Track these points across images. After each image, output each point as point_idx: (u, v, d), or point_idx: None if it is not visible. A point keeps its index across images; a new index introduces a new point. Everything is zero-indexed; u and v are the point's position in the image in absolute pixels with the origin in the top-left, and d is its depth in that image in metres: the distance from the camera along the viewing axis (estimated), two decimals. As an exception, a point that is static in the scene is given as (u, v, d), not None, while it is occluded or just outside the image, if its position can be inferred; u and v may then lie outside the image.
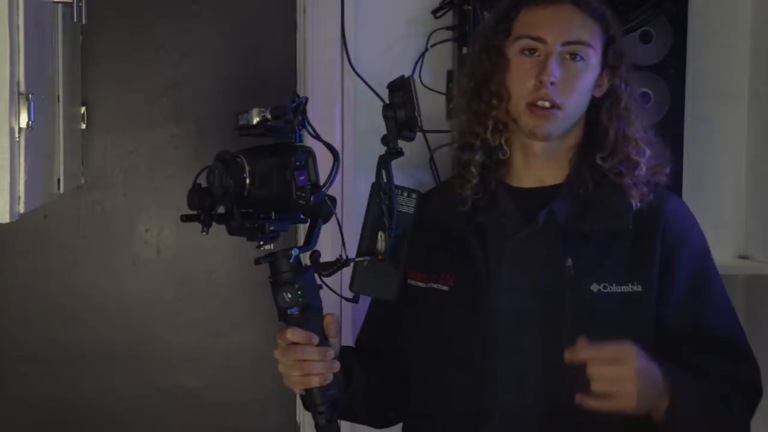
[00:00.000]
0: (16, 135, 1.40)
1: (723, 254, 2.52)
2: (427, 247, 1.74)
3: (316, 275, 1.57)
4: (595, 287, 1.63)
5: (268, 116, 1.50)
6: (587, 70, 1.67)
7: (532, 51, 1.67)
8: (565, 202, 1.68)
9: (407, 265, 1.67)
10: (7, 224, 1.39)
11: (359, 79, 2.30)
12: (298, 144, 1.55)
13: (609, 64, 1.71)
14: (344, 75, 2.33)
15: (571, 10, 1.68)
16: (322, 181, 1.53)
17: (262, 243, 1.54)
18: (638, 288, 1.64)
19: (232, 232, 1.54)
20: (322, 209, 1.55)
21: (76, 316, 2.41)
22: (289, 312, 1.54)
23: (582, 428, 1.62)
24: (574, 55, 1.66)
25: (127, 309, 2.43)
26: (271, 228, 1.52)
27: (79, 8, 2.10)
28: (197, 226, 2.40)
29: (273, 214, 1.54)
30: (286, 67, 2.43)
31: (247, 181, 1.50)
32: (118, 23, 2.39)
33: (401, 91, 1.58)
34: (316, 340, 1.55)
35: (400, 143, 1.61)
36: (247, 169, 1.50)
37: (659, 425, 1.56)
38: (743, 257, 2.52)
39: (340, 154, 2.34)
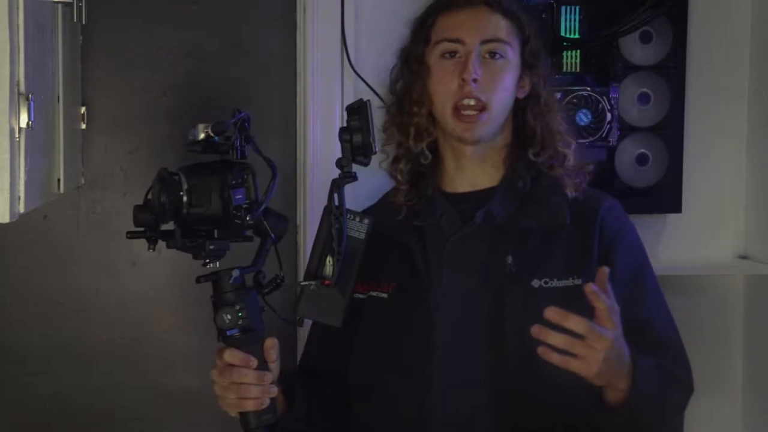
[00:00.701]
0: (16, 135, 1.39)
1: (723, 254, 2.53)
2: (369, 258, 1.73)
3: (260, 297, 1.56)
4: (536, 283, 1.64)
5: (210, 133, 1.49)
6: (507, 67, 1.71)
7: (452, 54, 1.71)
8: (502, 202, 1.70)
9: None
10: (7, 224, 1.39)
11: (359, 79, 2.30)
12: (237, 161, 1.53)
13: (527, 63, 1.75)
14: (344, 75, 2.33)
15: (486, 11, 1.72)
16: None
17: (207, 261, 1.54)
18: (578, 281, 1.64)
19: (179, 249, 1.53)
20: (262, 228, 1.54)
21: (76, 316, 2.41)
22: (228, 333, 1.54)
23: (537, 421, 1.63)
24: (493, 54, 1.70)
25: (127, 309, 2.43)
26: (211, 247, 1.51)
27: (79, 8, 2.10)
28: (197, 226, 2.43)
29: (215, 232, 1.52)
30: (286, 67, 2.43)
31: (184, 198, 1.49)
32: (118, 23, 2.39)
33: (358, 114, 1.57)
34: (254, 363, 1.54)
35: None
36: (184, 186, 1.49)
37: (612, 404, 1.54)
38: (743, 257, 2.53)
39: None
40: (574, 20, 2.33)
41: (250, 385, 1.54)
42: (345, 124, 1.58)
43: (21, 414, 2.40)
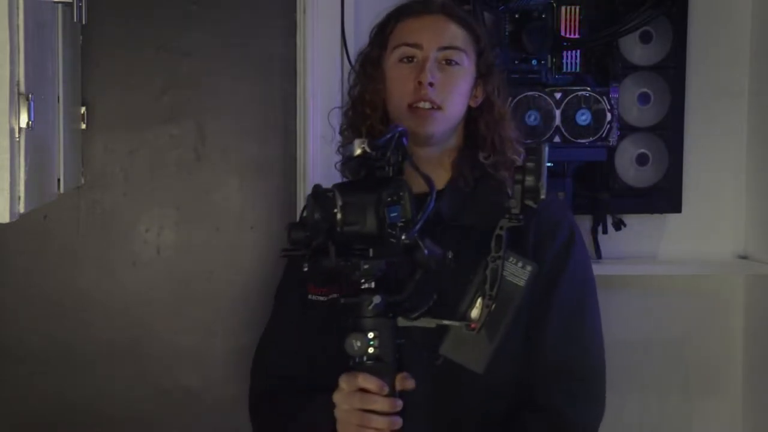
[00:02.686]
0: (16, 135, 1.39)
1: (723, 254, 2.53)
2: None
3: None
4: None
5: (367, 149, 1.45)
6: (462, 74, 1.74)
7: (410, 59, 1.74)
8: (448, 201, 1.73)
9: (310, 279, 1.69)
10: (7, 224, 1.39)
11: (359, 79, 2.30)
12: (393, 177, 1.48)
13: (481, 73, 1.79)
14: (344, 75, 2.33)
15: (444, 19, 1.76)
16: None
17: (363, 281, 1.47)
18: None
19: (332, 268, 1.46)
20: (417, 250, 1.45)
21: (76, 316, 2.41)
22: (357, 360, 1.48)
23: (463, 422, 1.65)
24: (449, 61, 1.74)
25: (127, 309, 2.43)
26: (366, 266, 1.45)
27: (79, 8, 2.10)
28: (196, 225, 2.44)
29: (370, 251, 1.46)
30: (286, 67, 2.43)
31: (338, 216, 1.43)
32: (118, 23, 2.39)
33: (534, 156, 1.52)
34: (386, 389, 1.49)
35: None
36: (338, 203, 1.43)
37: None
38: (743, 257, 2.53)
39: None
40: (574, 20, 2.33)
41: (378, 414, 1.49)
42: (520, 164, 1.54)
43: (21, 414, 2.40)
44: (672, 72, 2.41)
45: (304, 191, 2.38)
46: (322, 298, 1.75)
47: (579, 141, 2.32)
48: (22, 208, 1.43)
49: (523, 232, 1.69)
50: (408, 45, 1.74)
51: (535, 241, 1.70)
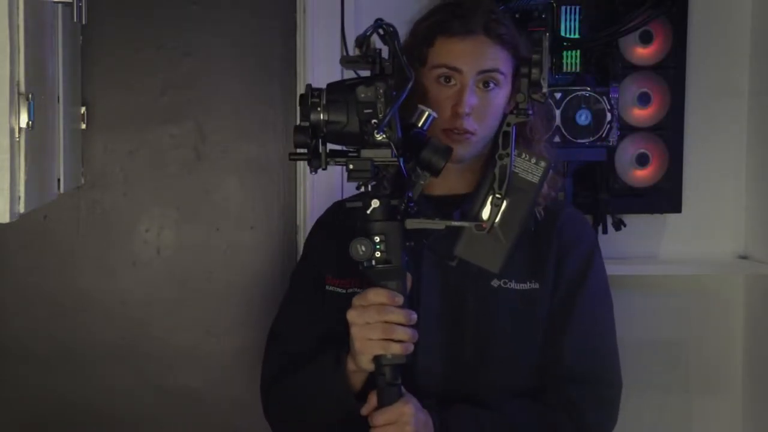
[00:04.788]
0: (16, 135, 1.39)
1: (723, 254, 2.53)
2: (348, 254, 1.74)
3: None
4: (495, 283, 1.68)
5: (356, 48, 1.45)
6: (500, 94, 1.73)
7: (447, 79, 1.73)
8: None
9: (328, 270, 1.72)
10: (7, 224, 1.39)
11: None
12: (374, 76, 1.46)
13: (518, 89, 1.76)
14: (344, 75, 2.33)
15: (484, 41, 1.73)
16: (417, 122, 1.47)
17: (361, 184, 1.47)
18: (536, 286, 1.70)
19: (324, 169, 1.46)
20: (420, 153, 1.46)
21: (76, 316, 2.41)
22: (365, 265, 1.47)
23: None
24: (486, 84, 1.72)
25: (127, 309, 2.43)
26: (350, 166, 1.45)
27: (79, 8, 2.10)
28: (196, 225, 2.44)
29: (361, 151, 1.45)
30: (286, 67, 2.43)
31: (322, 115, 1.44)
32: (118, 23, 2.39)
33: (540, 47, 1.47)
34: (400, 300, 1.49)
35: None
36: (323, 102, 1.44)
37: None
38: (743, 257, 2.53)
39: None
40: (574, 20, 2.33)
41: (397, 324, 1.49)
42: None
43: (21, 414, 2.40)
44: (672, 72, 2.41)
45: (304, 191, 2.38)
46: (340, 290, 1.75)
47: (579, 141, 2.32)
48: (22, 208, 1.43)
49: (547, 243, 1.71)
50: (448, 67, 1.72)
51: (559, 250, 1.72)
